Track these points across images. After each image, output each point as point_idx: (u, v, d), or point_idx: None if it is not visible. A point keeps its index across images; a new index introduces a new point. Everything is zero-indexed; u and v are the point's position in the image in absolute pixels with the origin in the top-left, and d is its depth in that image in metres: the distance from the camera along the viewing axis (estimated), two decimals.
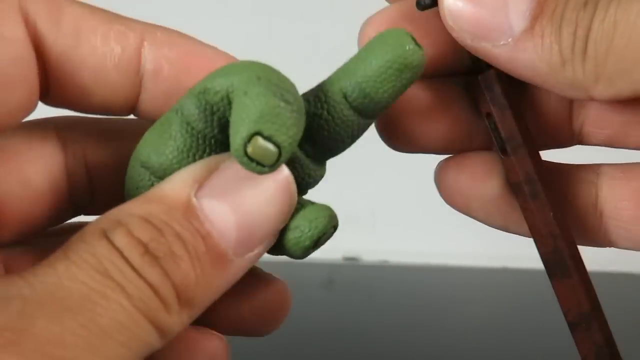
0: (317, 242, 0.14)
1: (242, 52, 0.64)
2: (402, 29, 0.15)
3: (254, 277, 0.16)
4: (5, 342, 0.10)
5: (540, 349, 0.42)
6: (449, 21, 0.15)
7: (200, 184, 0.12)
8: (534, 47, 0.14)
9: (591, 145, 0.20)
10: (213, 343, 0.15)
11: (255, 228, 0.13)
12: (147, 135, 0.14)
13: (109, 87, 0.15)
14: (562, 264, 0.19)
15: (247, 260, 0.13)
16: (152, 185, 0.14)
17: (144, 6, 0.58)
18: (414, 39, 0.14)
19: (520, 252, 0.62)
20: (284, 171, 0.13)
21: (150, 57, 0.15)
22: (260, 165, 0.12)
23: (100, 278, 0.11)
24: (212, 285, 0.12)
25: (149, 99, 0.15)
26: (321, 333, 0.43)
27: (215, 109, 0.13)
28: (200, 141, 0.13)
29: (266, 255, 0.15)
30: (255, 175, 0.12)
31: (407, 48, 0.14)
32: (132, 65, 0.14)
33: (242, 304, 0.16)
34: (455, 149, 0.19)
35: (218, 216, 0.12)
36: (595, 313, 0.19)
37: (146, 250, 0.11)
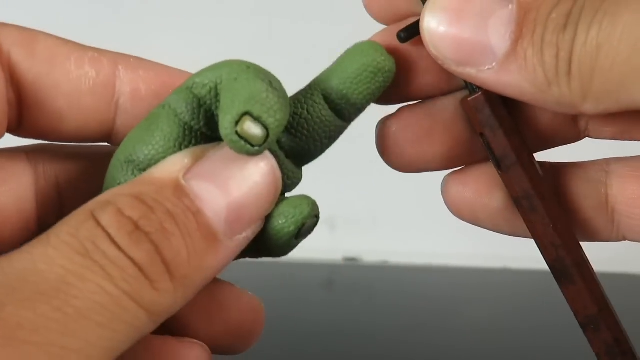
0: (301, 230, 0.15)
1: (242, 52, 0.64)
2: (375, 41, 0.16)
3: (227, 293, 0.16)
4: None
5: (541, 350, 0.42)
6: (432, 50, 0.15)
7: (188, 168, 0.13)
8: (519, 70, 0.14)
9: (599, 139, 0.20)
10: (195, 352, 0.15)
11: (243, 209, 0.13)
12: (131, 133, 0.14)
13: (84, 112, 0.15)
14: (565, 272, 0.20)
15: (236, 243, 0.13)
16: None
17: (146, 7, 0.58)
18: (384, 50, 0.16)
19: (520, 253, 0.62)
20: (269, 156, 0.14)
21: (126, 79, 0.15)
22: (249, 145, 0.12)
23: (79, 259, 0.11)
24: (203, 265, 0.12)
25: (125, 123, 0.15)
26: (321, 334, 0.43)
27: (202, 102, 0.14)
28: (187, 132, 0.14)
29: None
30: (242, 159, 0.13)
31: (381, 54, 0.15)
32: (107, 89, 0.15)
33: (215, 321, 0.16)
34: (457, 164, 0.19)
35: (207, 196, 0.12)
36: (603, 314, 0.20)
37: (136, 227, 0.11)
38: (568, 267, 0.20)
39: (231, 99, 0.13)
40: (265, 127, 0.12)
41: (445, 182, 0.20)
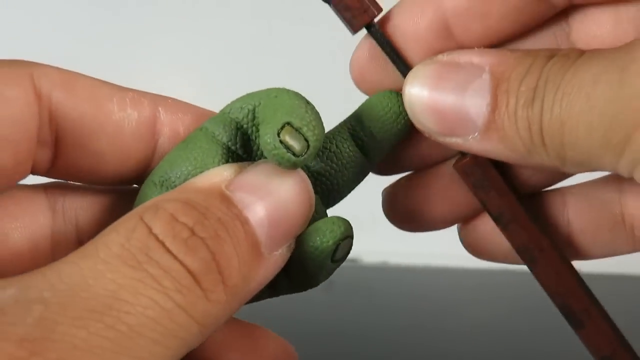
0: (337, 249, 0.15)
1: (243, 54, 0.64)
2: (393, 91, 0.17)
3: (261, 336, 0.17)
4: (26, 355, 0.09)
5: (540, 351, 0.42)
6: (416, 123, 0.16)
7: (229, 180, 0.12)
8: (500, 139, 0.15)
9: None
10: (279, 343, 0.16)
11: (282, 223, 0.13)
12: (166, 156, 0.14)
13: (125, 153, 0.15)
14: (574, 317, 0.20)
15: (274, 259, 0.13)
16: None
17: (147, 8, 0.58)
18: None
19: None
20: (304, 175, 0.14)
21: (166, 121, 0.15)
22: (291, 154, 0.12)
23: (130, 272, 0.10)
24: (250, 275, 0.12)
25: None
26: (321, 334, 0.43)
27: (239, 125, 0.14)
28: (225, 152, 0.14)
29: None
30: (280, 175, 0.13)
31: (399, 100, 0.17)
32: (148, 130, 0.15)
33: None
34: (462, 220, 0.20)
35: (252, 208, 0.12)
36: (619, 353, 0.20)
37: (192, 233, 0.11)
38: (576, 314, 0.20)
39: (273, 112, 0.13)
40: (305, 139, 0.13)
41: (460, 232, 0.21)
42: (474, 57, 0.15)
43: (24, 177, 0.14)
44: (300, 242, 0.14)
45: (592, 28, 0.16)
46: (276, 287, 0.15)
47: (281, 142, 0.13)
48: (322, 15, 0.61)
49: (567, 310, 0.20)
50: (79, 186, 0.16)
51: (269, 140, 0.13)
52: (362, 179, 0.18)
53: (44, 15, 0.59)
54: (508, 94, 0.14)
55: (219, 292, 0.11)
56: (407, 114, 0.16)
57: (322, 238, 0.14)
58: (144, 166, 0.15)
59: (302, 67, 0.59)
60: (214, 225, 0.11)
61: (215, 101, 0.65)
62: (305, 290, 0.16)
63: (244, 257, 0.11)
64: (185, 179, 0.13)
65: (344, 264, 0.56)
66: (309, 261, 0.14)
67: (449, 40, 0.16)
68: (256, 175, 0.13)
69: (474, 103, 0.14)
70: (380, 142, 0.17)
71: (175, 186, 0.13)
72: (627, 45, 0.13)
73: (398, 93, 0.17)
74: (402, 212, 0.20)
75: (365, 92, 0.19)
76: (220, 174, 0.12)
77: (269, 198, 0.12)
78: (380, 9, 0.17)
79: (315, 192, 0.15)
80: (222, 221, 0.11)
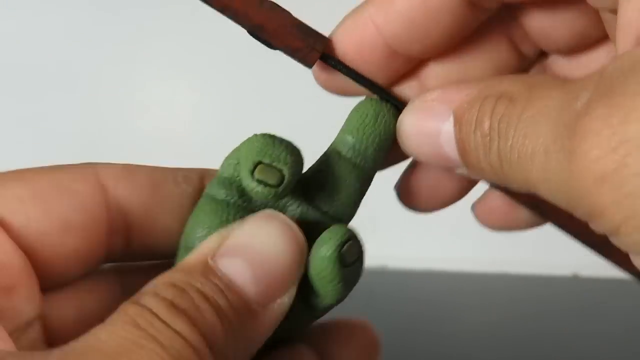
0: (342, 253, 0.15)
1: (243, 55, 0.64)
2: (372, 97, 0.17)
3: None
4: None
5: (539, 355, 0.42)
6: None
7: (214, 249, 0.13)
8: (480, 175, 0.15)
9: None
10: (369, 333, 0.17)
11: (272, 277, 0.13)
12: (185, 226, 0.16)
13: (185, 224, 0.16)
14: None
15: (273, 312, 0.13)
16: None
17: (145, 11, 0.58)
18: (380, 101, 0.17)
19: (520, 258, 0.62)
20: (290, 222, 0.14)
21: None
22: (267, 185, 0.14)
23: (134, 330, 0.11)
24: (242, 336, 0.13)
25: None
26: None
27: (232, 180, 0.15)
28: (226, 207, 0.15)
29: None
30: (265, 227, 0.14)
31: (376, 102, 0.17)
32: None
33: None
34: (468, 191, 0.21)
35: (234, 270, 0.13)
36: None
37: (172, 304, 0.12)
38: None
39: (246, 157, 0.14)
40: (278, 170, 0.14)
41: (474, 211, 0.23)
42: (440, 100, 0.15)
43: (99, 263, 0.15)
44: (309, 261, 0.15)
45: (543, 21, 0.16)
46: (297, 318, 0.15)
47: (258, 180, 0.14)
48: (321, 17, 0.61)
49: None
50: (141, 265, 0.18)
51: (246, 183, 0.14)
52: (359, 199, 0.18)
53: (44, 17, 0.59)
54: (467, 140, 0.14)
55: (206, 355, 0.12)
56: (384, 115, 0.17)
57: (325, 246, 0.15)
58: None
59: (303, 70, 0.58)
60: (193, 296, 0.12)
61: (215, 102, 0.65)
62: (334, 306, 0.17)
63: (231, 320, 0.12)
64: (203, 236, 0.15)
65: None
66: (323, 275, 0.15)
67: (396, 56, 0.16)
68: (240, 236, 0.14)
69: (449, 147, 0.15)
70: (367, 149, 0.17)
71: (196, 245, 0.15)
72: (574, 98, 0.12)
73: (370, 99, 0.17)
74: (410, 200, 0.20)
75: (341, 94, 0.19)
76: (207, 246, 0.13)
77: (253, 255, 0.13)
78: (325, 41, 0.17)
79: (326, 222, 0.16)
80: (201, 292, 0.12)
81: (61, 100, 0.60)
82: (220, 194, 0.15)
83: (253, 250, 0.13)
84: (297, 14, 0.17)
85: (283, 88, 0.58)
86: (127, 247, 0.16)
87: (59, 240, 0.14)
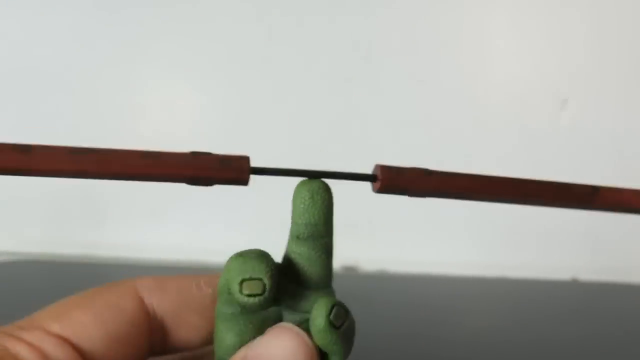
0: (331, 319, 0.18)
1: (243, 57, 0.64)
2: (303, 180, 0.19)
3: None
4: None
5: (538, 358, 0.42)
6: None
7: (246, 356, 0.17)
8: None
9: None
10: None
11: None
12: (214, 342, 0.19)
13: (210, 321, 0.19)
14: None
15: None
16: None
17: (145, 11, 0.59)
18: (309, 181, 0.19)
19: (519, 262, 0.62)
20: (297, 330, 0.17)
21: None
22: (253, 296, 0.17)
23: None
24: None
25: None
26: None
27: (230, 298, 0.18)
28: (234, 320, 0.18)
29: None
30: (279, 338, 0.17)
31: (308, 183, 0.19)
32: None
33: None
34: None
35: None
36: None
37: None
38: None
39: (231, 279, 0.17)
40: (259, 280, 0.17)
41: None
42: None
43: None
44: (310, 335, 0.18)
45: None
46: None
47: (247, 295, 0.17)
48: (321, 19, 0.62)
49: None
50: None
51: (240, 300, 0.17)
52: (332, 251, 0.20)
53: (44, 18, 0.59)
54: None
55: None
56: (319, 191, 0.19)
57: (316, 321, 0.17)
58: None
59: (302, 73, 0.59)
60: None
61: (216, 104, 0.65)
62: (349, 352, 0.19)
63: None
64: (226, 354, 0.18)
65: (342, 272, 0.56)
66: (324, 343, 0.18)
67: None
68: (259, 348, 0.17)
69: None
70: (317, 225, 0.19)
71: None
72: None
73: (299, 184, 0.19)
74: None
75: None
76: (239, 356, 0.17)
77: None
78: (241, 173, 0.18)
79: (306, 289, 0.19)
80: None
81: (61, 102, 0.60)
82: (228, 310, 0.18)
83: (271, 358, 0.16)
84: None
85: (283, 88, 0.59)
86: (164, 344, 0.19)
87: (114, 351, 0.17)
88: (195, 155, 0.17)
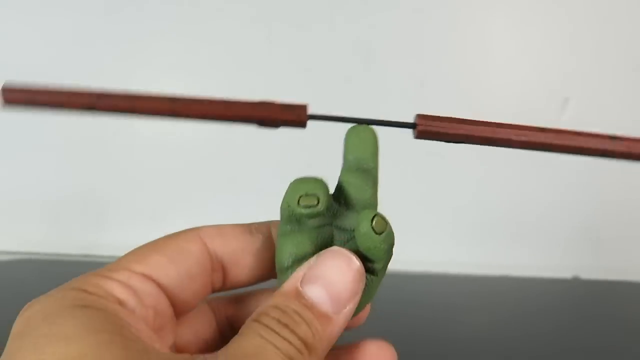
0: (373, 227, 0.20)
1: (244, 57, 0.64)
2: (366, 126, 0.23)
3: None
4: None
5: (539, 357, 0.42)
6: None
7: (301, 278, 0.19)
8: None
9: None
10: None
11: (340, 294, 0.19)
12: (275, 258, 0.22)
13: (262, 262, 0.23)
14: None
15: (344, 315, 0.19)
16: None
17: (144, 13, 0.59)
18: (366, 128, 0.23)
19: (521, 261, 0.62)
20: (347, 253, 0.20)
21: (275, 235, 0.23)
22: (311, 207, 0.20)
23: (259, 339, 0.17)
24: (326, 335, 0.19)
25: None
26: None
27: (290, 216, 0.21)
28: (293, 235, 0.21)
29: None
30: (333, 260, 0.20)
31: (358, 126, 0.23)
32: (271, 243, 0.23)
33: None
34: None
35: (315, 293, 0.19)
36: None
37: (278, 321, 0.18)
38: None
39: (291, 196, 0.21)
40: (314, 195, 0.20)
41: None
42: None
43: (208, 294, 0.22)
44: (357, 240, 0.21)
45: None
46: (369, 286, 0.22)
47: (304, 206, 0.20)
48: (321, 20, 0.62)
49: None
50: (221, 296, 0.25)
51: (298, 211, 0.21)
52: (377, 185, 0.23)
53: (44, 18, 0.59)
54: None
55: (305, 352, 0.18)
56: (363, 131, 0.23)
57: (361, 225, 0.20)
58: (272, 268, 0.23)
59: (303, 73, 0.59)
60: (292, 315, 0.18)
61: None
62: (387, 265, 0.22)
63: (317, 327, 0.19)
64: (288, 263, 0.21)
65: None
66: (367, 246, 0.20)
67: None
68: (317, 268, 0.20)
69: None
70: (368, 156, 0.23)
71: (287, 268, 0.21)
72: None
73: (350, 128, 0.23)
74: None
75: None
76: (295, 277, 0.20)
77: (326, 282, 0.19)
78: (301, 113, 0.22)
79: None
80: (296, 311, 0.19)
81: None
82: (287, 228, 0.21)
83: (325, 278, 0.19)
84: None
85: (283, 89, 0.58)
86: (223, 282, 0.22)
87: (186, 286, 0.21)
88: (262, 102, 0.20)
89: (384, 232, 0.21)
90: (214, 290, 0.22)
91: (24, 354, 0.15)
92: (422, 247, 0.63)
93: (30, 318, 0.17)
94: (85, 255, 0.62)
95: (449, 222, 0.62)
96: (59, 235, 0.63)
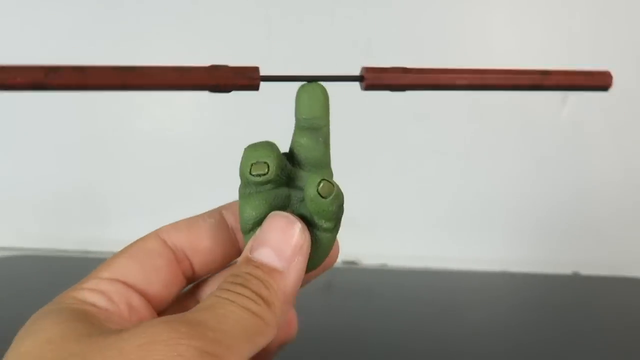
0: (319, 191, 0.21)
1: (244, 54, 0.64)
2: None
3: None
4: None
5: (539, 353, 0.42)
6: None
7: (251, 246, 0.22)
8: None
9: None
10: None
11: (286, 251, 0.21)
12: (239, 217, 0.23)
13: (221, 243, 0.25)
14: None
15: (294, 267, 0.21)
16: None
17: (143, 6, 0.58)
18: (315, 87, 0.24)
19: (519, 256, 0.62)
20: (287, 216, 0.22)
21: (228, 214, 0.26)
22: (259, 175, 0.22)
23: (224, 296, 0.20)
24: (280, 288, 0.21)
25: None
26: (320, 336, 0.43)
27: (245, 181, 0.22)
28: (250, 197, 0.22)
29: None
30: (273, 223, 0.22)
31: (308, 84, 0.24)
32: (224, 222, 0.25)
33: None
34: None
35: (264, 254, 0.21)
36: None
37: (234, 282, 0.20)
38: None
39: (243, 163, 0.22)
40: (264, 163, 0.21)
41: None
42: None
43: (183, 285, 0.24)
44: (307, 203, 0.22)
45: None
46: (320, 243, 0.23)
47: (254, 175, 0.22)
48: (321, 15, 0.61)
49: None
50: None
51: (250, 179, 0.22)
52: (328, 141, 0.24)
53: (43, 14, 0.59)
54: None
55: (263, 305, 0.20)
56: (312, 89, 0.24)
57: (306, 192, 0.21)
58: (231, 246, 0.25)
59: (301, 67, 0.58)
60: (245, 275, 0.21)
61: (215, 102, 0.65)
62: (337, 224, 0.23)
63: (270, 282, 0.21)
64: (249, 226, 0.23)
65: (343, 266, 0.56)
66: (314, 209, 0.22)
67: None
68: (262, 234, 0.22)
69: None
70: (315, 118, 0.23)
71: (249, 231, 0.23)
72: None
73: (303, 84, 0.24)
74: None
75: None
76: (247, 248, 0.22)
77: (271, 243, 0.21)
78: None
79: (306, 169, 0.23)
80: (248, 272, 0.21)
81: (58, 98, 0.60)
82: (246, 191, 0.22)
83: (269, 240, 0.21)
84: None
85: (283, 88, 0.58)
86: (194, 271, 0.25)
87: (154, 281, 0.23)
88: (214, 67, 0.20)
89: (331, 195, 0.21)
90: (188, 280, 0.24)
91: (8, 353, 0.18)
92: (420, 243, 0.63)
93: (20, 330, 0.20)
94: (85, 251, 0.63)
95: (447, 218, 0.62)
96: (59, 231, 0.63)
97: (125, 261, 0.22)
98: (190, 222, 0.25)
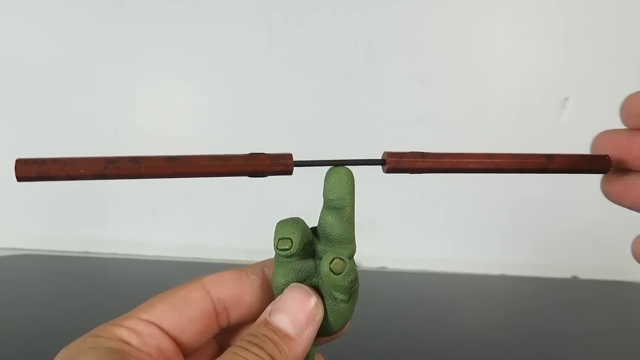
0: (331, 268, 0.23)
1: (244, 54, 0.64)
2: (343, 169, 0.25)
3: None
4: None
5: (538, 355, 0.43)
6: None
7: (270, 310, 0.24)
8: None
9: None
10: None
11: (300, 321, 0.24)
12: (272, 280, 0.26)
13: (260, 298, 0.26)
14: None
15: (306, 336, 0.24)
16: None
17: (145, 9, 0.59)
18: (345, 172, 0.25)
19: (518, 260, 0.62)
20: (304, 288, 0.24)
21: (269, 272, 0.27)
22: (284, 250, 0.24)
23: (232, 354, 0.21)
24: (292, 352, 0.23)
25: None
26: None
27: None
28: (282, 266, 0.25)
29: None
30: (293, 293, 0.24)
31: (336, 168, 0.25)
32: (266, 280, 0.27)
33: None
34: None
35: (280, 320, 0.24)
36: None
37: (251, 342, 0.22)
38: None
39: (274, 238, 0.25)
40: (289, 240, 0.24)
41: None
42: None
43: (214, 333, 0.26)
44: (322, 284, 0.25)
45: None
46: (337, 313, 0.25)
47: (279, 249, 0.24)
48: (322, 17, 0.61)
49: None
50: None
51: (277, 253, 0.24)
52: (352, 221, 0.25)
53: (43, 15, 0.59)
54: None
55: None
56: (339, 177, 0.24)
57: (322, 266, 0.24)
58: (269, 303, 0.26)
59: (303, 70, 0.59)
60: (262, 338, 0.23)
61: (216, 101, 0.64)
62: (351, 297, 0.25)
63: (283, 346, 0.23)
64: (279, 292, 0.25)
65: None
66: (328, 283, 0.24)
67: None
68: (281, 301, 0.24)
69: None
70: (341, 199, 0.25)
71: (280, 292, 0.25)
72: None
73: (332, 169, 0.24)
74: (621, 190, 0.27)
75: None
76: (266, 311, 0.24)
77: (288, 311, 0.24)
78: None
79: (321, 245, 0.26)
80: (265, 335, 0.23)
81: (60, 98, 0.60)
82: (279, 260, 0.25)
83: (287, 308, 0.24)
84: None
85: (284, 86, 0.58)
86: (229, 321, 0.26)
87: (187, 329, 0.24)
88: (252, 156, 0.23)
89: (343, 271, 0.24)
90: (222, 329, 0.26)
91: None
92: (419, 246, 0.63)
93: None
94: (86, 252, 0.63)
95: (446, 222, 0.63)
96: (60, 232, 0.64)
97: (164, 307, 0.24)
98: (234, 277, 0.26)
